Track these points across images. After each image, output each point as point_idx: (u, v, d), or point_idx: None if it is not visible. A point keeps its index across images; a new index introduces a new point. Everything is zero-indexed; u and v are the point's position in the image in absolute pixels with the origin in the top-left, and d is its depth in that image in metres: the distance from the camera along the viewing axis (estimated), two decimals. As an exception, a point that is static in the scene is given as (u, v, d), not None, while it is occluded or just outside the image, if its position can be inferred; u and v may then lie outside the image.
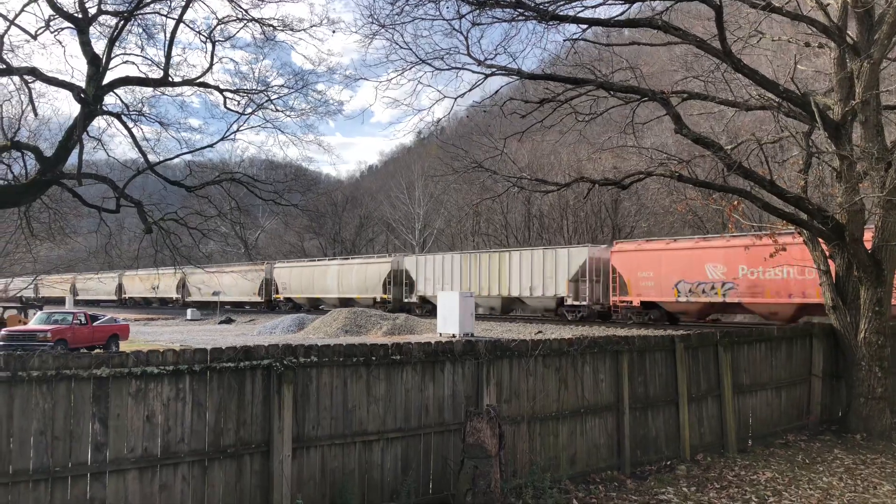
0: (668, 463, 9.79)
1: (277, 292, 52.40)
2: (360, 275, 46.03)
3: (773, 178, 11.79)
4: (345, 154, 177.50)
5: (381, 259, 47.66)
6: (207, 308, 54.16)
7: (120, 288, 68.35)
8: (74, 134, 15.55)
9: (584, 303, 33.12)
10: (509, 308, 38.29)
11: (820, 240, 12.27)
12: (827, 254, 12.41)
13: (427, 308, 40.97)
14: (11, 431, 5.60)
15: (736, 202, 13.80)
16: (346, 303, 45.74)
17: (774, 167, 14.27)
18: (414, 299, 42.27)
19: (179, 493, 6.30)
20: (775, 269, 25.78)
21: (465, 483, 7.08)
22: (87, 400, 5.92)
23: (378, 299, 44.27)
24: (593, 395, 9.23)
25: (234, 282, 53.70)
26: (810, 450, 10.86)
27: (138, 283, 64.32)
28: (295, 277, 51.09)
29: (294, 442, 6.85)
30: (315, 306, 49.24)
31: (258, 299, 53.89)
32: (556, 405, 8.84)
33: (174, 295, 62.21)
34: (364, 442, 7.38)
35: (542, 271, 34.78)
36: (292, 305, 51.03)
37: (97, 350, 22.80)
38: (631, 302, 30.83)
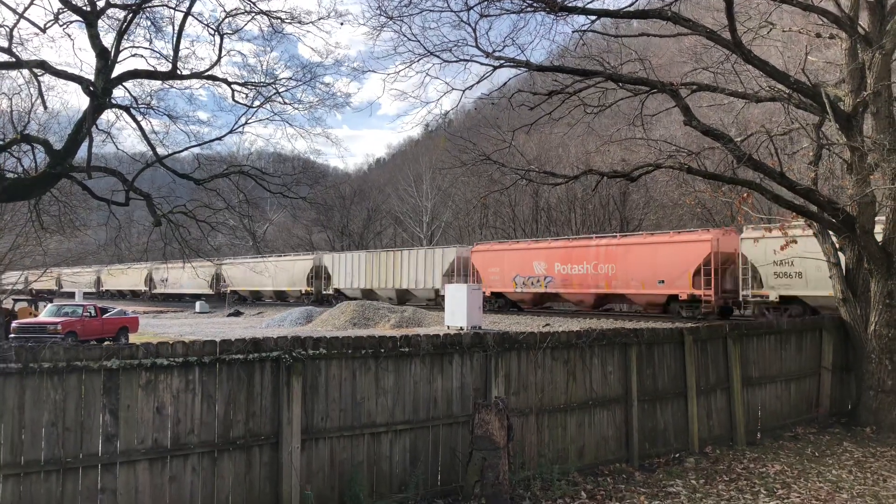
0: (677, 455, 9.78)
1: (227, 285, 55.68)
2: (289, 271, 51.20)
3: (783, 170, 11.71)
4: (352, 147, 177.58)
5: (305, 257, 53.15)
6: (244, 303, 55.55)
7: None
8: (83, 127, 15.59)
9: None
10: (404, 298, 43.18)
11: (830, 232, 12.19)
12: (837, 246, 12.34)
13: (341, 298, 44.69)
14: (23, 423, 5.64)
15: (745, 194, 13.72)
16: (279, 295, 53.01)
17: (784, 159, 14.18)
18: (331, 291, 47.57)
19: (189, 484, 6.34)
20: (580, 266, 31.96)
21: (474, 475, 7.10)
22: (97, 391, 5.96)
23: (303, 291, 49.51)
24: (602, 388, 9.22)
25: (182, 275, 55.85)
26: (820, 443, 10.82)
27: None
28: (240, 273, 55.51)
29: (303, 434, 6.88)
30: (256, 298, 56.64)
31: (210, 291, 57.35)
32: (565, 397, 8.83)
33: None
34: (373, 434, 7.40)
35: (424, 268, 40.52)
36: (238, 297, 56.99)
37: (107, 342, 22.96)
38: (484, 293, 34.07)
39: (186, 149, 19.94)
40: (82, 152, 16.50)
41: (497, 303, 37.03)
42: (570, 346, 8.91)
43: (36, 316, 28.44)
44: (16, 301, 31.52)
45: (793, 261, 22.26)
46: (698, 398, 10.18)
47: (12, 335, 22.68)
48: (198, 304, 52.40)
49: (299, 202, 24.32)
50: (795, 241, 13.58)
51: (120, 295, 70.47)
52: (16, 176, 16.94)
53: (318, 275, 49.18)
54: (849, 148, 11.55)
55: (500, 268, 36.20)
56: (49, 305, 29.02)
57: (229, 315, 46.02)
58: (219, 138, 29.27)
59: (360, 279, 45.44)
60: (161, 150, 18.49)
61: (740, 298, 26.62)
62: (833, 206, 11.39)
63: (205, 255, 21.76)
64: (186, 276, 55.42)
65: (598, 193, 46.52)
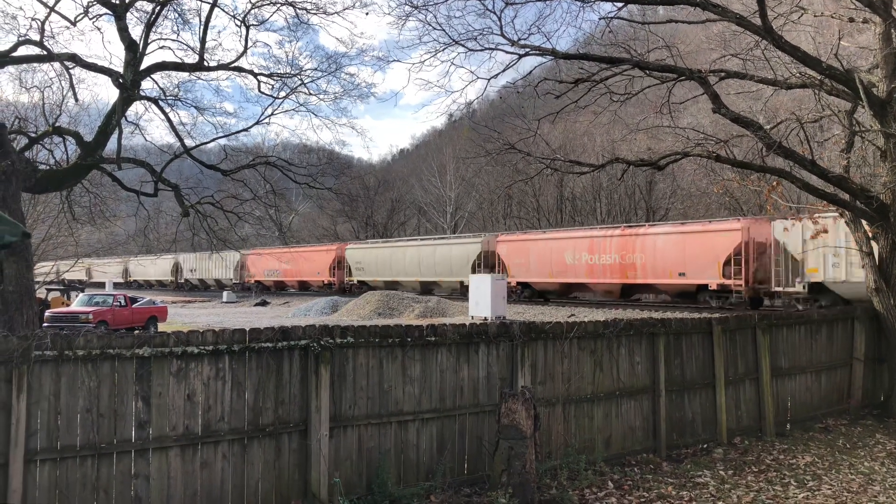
0: (705, 446, 9.70)
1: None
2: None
3: (814, 157, 11.51)
4: (375, 137, 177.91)
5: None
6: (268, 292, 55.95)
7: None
8: (113, 119, 15.82)
9: None
10: (428, 289, 43.03)
11: (863, 221, 11.97)
12: (870, 235, 12.11)
13: (364, 289, 44.59)
14: (59, 409, 5.77)
15: (775, 183, 13.52)
16: (302, 285, 53.22)
17: (815, 147, 13.92)
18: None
19: (220, 470, 6.44)
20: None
21: (501, 464, 7.11)
22: (129, 379, 6.06)
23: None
24: (629, 378, 9.17)
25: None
26: (851, 434, 10.67)
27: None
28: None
29: (331, 421, 6.94)
30: (280, 288, 56.37)
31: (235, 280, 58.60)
32: (591, 387, 8.81)
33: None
34: (400, 422, 7.44)
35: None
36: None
37: (137, 331, 23.30)
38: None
39: (213, 140, 20.19)
40: (112, 144, 16.77)
41: (524, 293, 36.92)
42: (597, 336, 8.87)
43: (68, 305, 28.96)
44: (49, 291, 32.12)
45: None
46: (727, 388, 10.09)
47: (45, 324, 23.12)
48: (225, 293, 53.01)
49: (325, 193, 24.43)
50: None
51: (147, 285, 71.27)
52: (48, 167, 17.24)
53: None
54: (882, 134, 11.31)
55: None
56: (80, 295, 29.53)
57: (256, 305, 46.51)
58: (245, 129, 29.58)
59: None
60: (188, 142, 18.74)
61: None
62: (866, 194, 11.18)
63: (232, 245, 22.00)
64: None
65: (624, 182, 46.07)
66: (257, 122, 20.44)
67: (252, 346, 6.62)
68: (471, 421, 7.90)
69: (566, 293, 36.19)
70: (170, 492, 6.15)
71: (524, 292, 36.99)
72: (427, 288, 43.20)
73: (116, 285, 69.05)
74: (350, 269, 47.85)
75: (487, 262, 38.10)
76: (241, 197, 20.78)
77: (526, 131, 15.52)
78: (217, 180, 22.56)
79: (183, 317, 35.43)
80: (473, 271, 37.48)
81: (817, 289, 24.16)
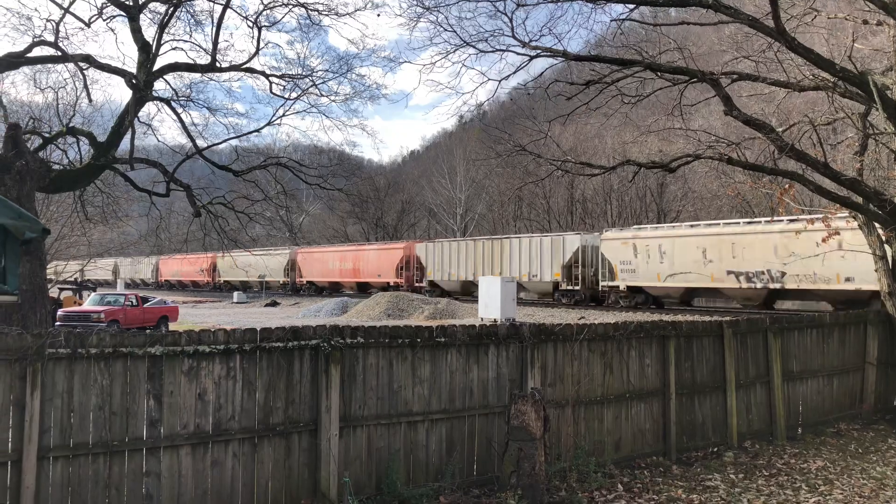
0: (715, 450, 9.66)
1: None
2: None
3: (827, 160, 11.44)
4: (385, 139, 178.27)
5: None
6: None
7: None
8: (126, 119, 15.92)
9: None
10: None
11: (876, 224, 11.89)
12: (883, 238, 12.02)
13: (436, 292, 42.46)
14: (72, 406, 5.81)
15: (787, 185, 13.44)
16: (361, 287, 49.83)
17: (827, 149, 13.85)
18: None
19: (230, 469, 6.46)
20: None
21: (510, 465, 7.11)
22: (142, 377, 6.10)
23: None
24: (639, 380, 9.15)
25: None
26: (863, 439, 10.59)
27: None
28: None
29: (341, 421, 6.96)
30: (335, 290, 53.05)
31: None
32: (601, 389, 8.79)
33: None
34: (409, 422, 7.45)
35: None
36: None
37: (148, 331, 23.43)
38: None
39: (225, 141, 20.30)
40: (125, 144, 16.90)
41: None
42: (607, 338, 8.85)
43: (80, 304, 29.16)
44: (61, 290, 32.34)
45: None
46: (737, 392, 10.04)
47: (58, 323, 23.28)
48: (235, 294, 53.19)
49: (335, 194, 24.49)
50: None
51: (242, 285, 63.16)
52: (62, 167, 17.38)
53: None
54: (896, 137, 11.23)
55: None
56: (92, 294, 29.74)
57: (266, 305, 46.67)
58: (257, 130, 29.65)
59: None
60: (200, 142, 18.84)
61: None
62: (880, 198, 11.09)
63: (242, 245, 22.10)
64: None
65: (635, 185, 45.98)
66: (269, 123, 20.66)
67: (263, 346, 6.65)
68: (480, 422, 7.90)
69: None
70: (180, 490, 6.18)
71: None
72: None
73: (146, 284, 69.34)
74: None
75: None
76: (253, 197, 20.87)
77: (537, 133, 15.48)
78: (228, 181, 22.66)
79: (194, 317, 35.60)
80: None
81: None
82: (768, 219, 27.08)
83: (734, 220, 33.03)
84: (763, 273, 26.90)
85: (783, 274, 26.18)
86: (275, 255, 54.54)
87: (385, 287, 45.15)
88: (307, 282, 52.89)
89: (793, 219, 22.17)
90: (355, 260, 49.62)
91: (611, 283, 32.55)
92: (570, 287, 34.82)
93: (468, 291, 39.94)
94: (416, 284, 43.79)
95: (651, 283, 30.96)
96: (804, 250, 22.07)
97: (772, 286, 26.75)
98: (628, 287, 31.79)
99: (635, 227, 35.69)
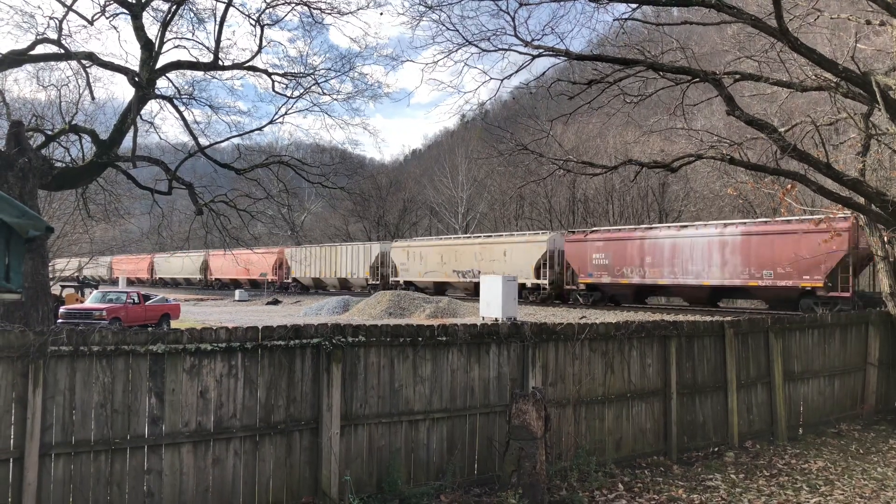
0: (716, 450, 9.67)
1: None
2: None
3: (829, 160, 11.44)
4: (387, 137, 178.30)
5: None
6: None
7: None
8: (129, 117, 15.94)
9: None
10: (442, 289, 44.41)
11: (878, 225, 11.88)
12: (886, 239, 12.02)
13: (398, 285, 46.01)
14: (74, 404, 5.83)
15: (789, 186, 13.43)
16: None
17: (830, 150, 13.84)
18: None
19: (231, 467, 6.48)
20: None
21: (511, 464, 7.12)
22: (143, 375, 6.11)
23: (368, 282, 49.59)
24: (640, 380, 9.15)
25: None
26: (864, 439, 10.59)
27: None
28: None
29: (342, 419, 6.97)
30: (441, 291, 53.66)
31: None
32: (603, 389, 8.79)
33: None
34: (410, 421, 7.46)
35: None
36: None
37: (150, 328, 23.47)
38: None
39: (227, 139, 20.30)
40: (127, 142, 16.90)
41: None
42: (608, 338, 8.86)
43: (82, 302, 29.19)
44: (63, 287, 32.37)
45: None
46: (738, 392, 10.04)
47: (60, 320, 23.31)
48: (237, 292, 53.21)
49: (337, 192, 24.50)
50: None
51: (174, 283, 70.83)
52: (64, 165, 17.40)
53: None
54: (899, 138, 11.22)
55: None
56: (94, 292, 29.76)
57: (268, 303, 46.68)
58: (259, 128, 29.65)
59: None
60: (203, 140, 18.84)
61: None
62: (882, 198, 11.09)
63: (244, 243, 22.13)
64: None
65: (637, 184, 45.94)
66: (271, 122, 20.61)
67: (265, 344, 6.66)
68: (481, 421, 7.91)
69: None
70: (182, 487, 6.20)
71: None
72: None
73: (141, 282, 69.70)
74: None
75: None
76: (255, 196, 20.90)
77: (539, 132, 15.48)
78: (230, 179, 22.69)
79: (195, 315, 35.64)
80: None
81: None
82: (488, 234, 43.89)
83: (457, 235, 48.04)
84: (469, 271, 39.90)
85: (480, 272, 37.05)
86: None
87: (364, 286, 50.44)
88: (405, 282, 53.22)
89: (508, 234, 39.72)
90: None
91: (395, 279, 45.63)
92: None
93: (441, 291, 44.44)
94: (393, 280, 47.60)
95: (415, 278, 43.39)
96: (491, 256, 38.53)
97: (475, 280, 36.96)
98: (406, 281, 44.18)
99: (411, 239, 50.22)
